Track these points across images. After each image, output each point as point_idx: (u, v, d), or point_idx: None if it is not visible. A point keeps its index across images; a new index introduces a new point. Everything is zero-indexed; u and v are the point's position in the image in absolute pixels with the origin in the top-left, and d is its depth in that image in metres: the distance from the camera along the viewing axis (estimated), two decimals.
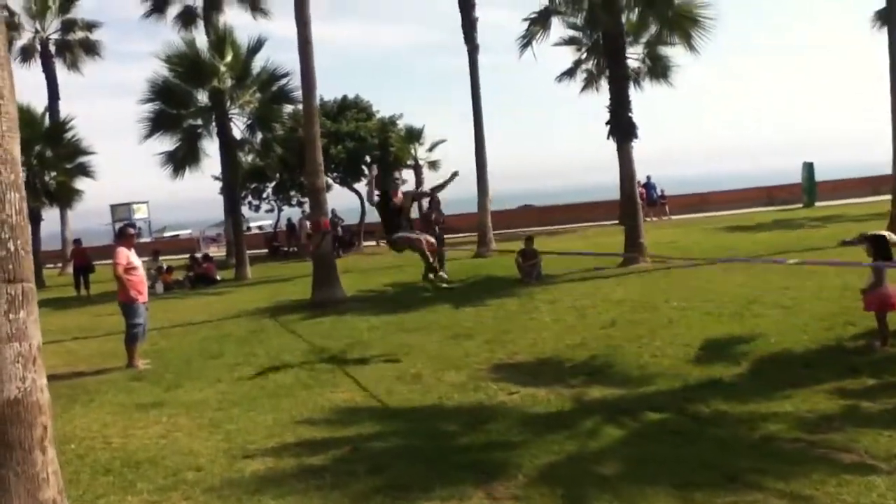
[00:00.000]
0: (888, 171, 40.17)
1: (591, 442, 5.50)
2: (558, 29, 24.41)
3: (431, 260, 9.64)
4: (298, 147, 28.70)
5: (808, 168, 31.75)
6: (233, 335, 11.90)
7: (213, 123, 23.25)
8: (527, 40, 18.13)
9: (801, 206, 31.64)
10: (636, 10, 16.56)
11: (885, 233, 15.83)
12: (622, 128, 16.58)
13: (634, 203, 16.92)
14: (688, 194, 38.18)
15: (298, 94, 22.57)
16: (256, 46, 23.12)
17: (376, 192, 9.39)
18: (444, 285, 10.08)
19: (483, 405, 6.77)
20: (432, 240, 9.77)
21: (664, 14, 16.18)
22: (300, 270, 23.92)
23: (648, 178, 33.90)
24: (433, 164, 32.04)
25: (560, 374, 7.64)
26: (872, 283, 7.49)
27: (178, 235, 49.74)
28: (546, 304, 12.10)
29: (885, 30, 25.83)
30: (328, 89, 32.85)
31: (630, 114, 16.68)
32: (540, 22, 17.93)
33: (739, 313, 9.90)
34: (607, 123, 16.89)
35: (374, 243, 32.75)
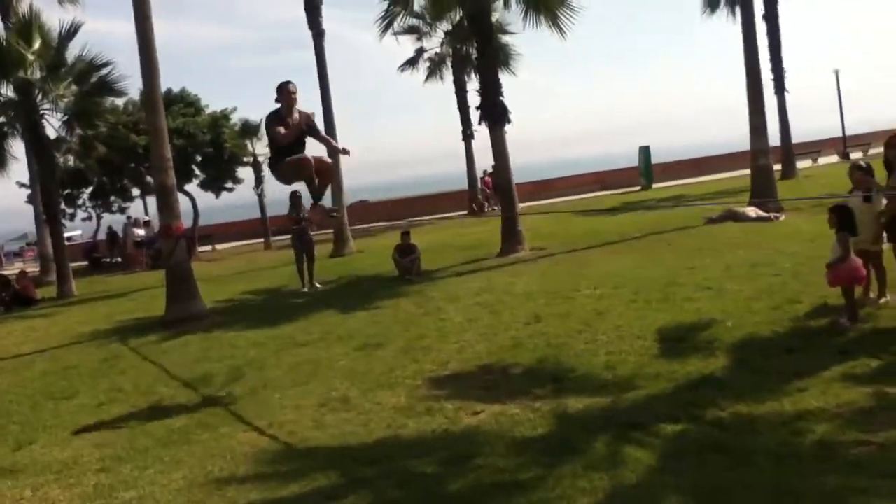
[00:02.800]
0: (710, 152, 42.69)
1: (622, 471, 4.44)
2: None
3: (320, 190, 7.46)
4: (124, 145, 25.95)
5: (645, 151, 32.85)
6: (81, 367, 9.82)
7: (20, 121, 20.14)
8: (387, 21, 16.90)
9: (639, 188, 32.66)
10: None
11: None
12: (495, 112, 15.78)
13: (510, 190, 16.20)
14: (529, 182, 38.52)
15: (123, 85, 20.22)
16: (71, 32, 20.09)
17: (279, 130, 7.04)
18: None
19: (451, 432, 5.55)
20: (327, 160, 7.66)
21: None
22: (132, 283, 21.41)
23: (494, 168, 33.69)
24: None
25: (517, 384, 6.56)
26: (839, 257, 6.99)
27: None
28: (447, 303, 11.00)
29: (714, 16, 27.20)
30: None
31: (501, 97, 15.93)
32: (401, 2, 16.76)
33: (666, 298, 9.30)
34: (478, 108, 16.06)
35: (209, 248, 30.26)
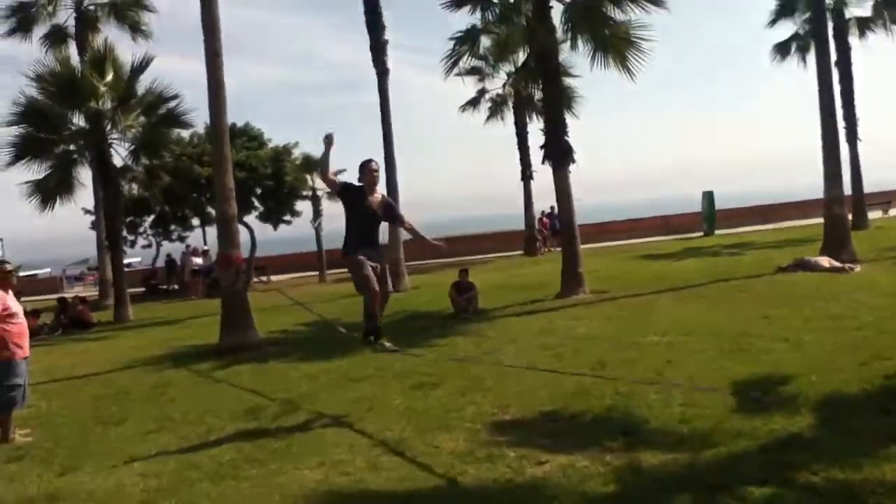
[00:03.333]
0: (777, 199, 41.61)
1: None
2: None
3: (378, 313, 7.42)
4: (187, 175, 26.37)
5: (709, 196, 32.10)
6: (133, 392, 9.70)
7: (89, 150, 20.60)
8: (453, 60, 16.81)
9: (701, 234, 31.85)
10: (568, 26, 15.48)
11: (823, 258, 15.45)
12: (559, 151, 15.47)
13: (573, 231, 15.78)
14: (586, 224, 37.96)
15: (189, 117, 20.58)
16: (142, 65, 20.69)
17: (337, 178, 7.40)
18: (389, 347, 7.72)
19: (514, 483, 5.15)
20: (390, 288, 7.71)
21: (600, 32, 15.22)
22: (187, 311, 21.53)
23: (552, 208, 33.27)
24: (332, 195, 30.07)
25: (585, 434, 6.12)
26: None
27: (35, 275, 45.20)
28: (506, 344, 10.62)
29: (784, 62, 26.63)
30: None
31: (567, 137, 15.62)
32: (468, 41, 16.68)
33: (740, 348, 8.77)
34: (542, 147, 15.78)
35: (265, 279, 30.37)
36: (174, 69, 32.41)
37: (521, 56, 26.18)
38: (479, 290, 14.57)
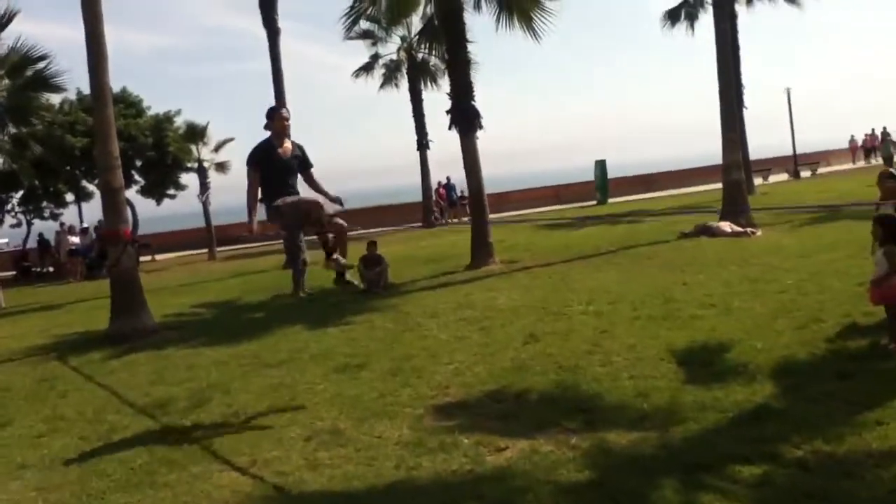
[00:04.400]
0: (663, 168, 42.79)
1: None
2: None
3: (334, 249, 7.13)
4: (60, 146, 24.31)
5: (601, 166, 32.59)
6: (14, 389, 8.61)
7: None
8: (353, 17, 15.98)
9: (594, 203, 32.33)
10: None
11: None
12: (466, 117, 15.00)
13: (482, 200, 15.41)
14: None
15: (61, 80, 18.81)
16: (4, 21, 18.65)
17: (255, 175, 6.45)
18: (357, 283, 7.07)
19: (477, 475, 4.67)
20: (339, 210, 6.73)
21: None
22: (67, 295, 19.93)
23: (448, 178, 33.07)
24: (221, 167, 28.58)
25: (538, 414, 5.71)
26: (884, 274, 6.34)
27: None
28: (427, 319, 10.11)
29: (674, 29, 27.09)
30: (84, 85, 28.28)
31: (473, 102, 15.16)
32: None
33: (670, 315, 8.60)
34: (448, 112, 15.24)
35: (149, 258, 28.58)
36: (42, 33, 29.73)
37: (416, 19, 25.60)
38: (388, 263, 13.98)
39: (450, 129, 15.25)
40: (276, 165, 6.37)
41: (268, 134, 6.50)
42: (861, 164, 43.32)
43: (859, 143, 45.24)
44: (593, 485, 4.32)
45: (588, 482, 4.37)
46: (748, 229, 15.67)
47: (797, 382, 5.74)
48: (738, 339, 7.15)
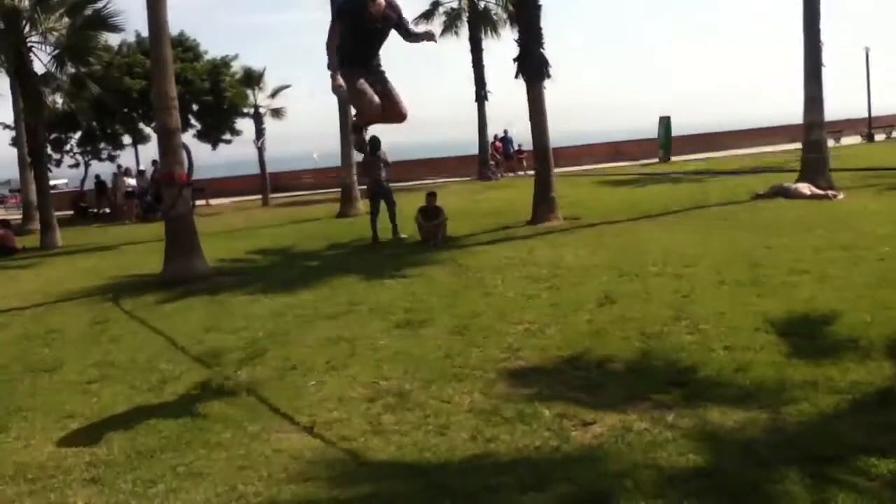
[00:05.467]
0: (718, 129, 41.28)
1: None
2: None
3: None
4: (117, 87, 24.16)
5: (665, 122, 31.39)
6: (66, 331, 8.39)
7: (5, 53, 18.41)
8: None
9: (656, 161, 31.23)
10: None
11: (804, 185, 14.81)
12: (533, 64, 14.24)
13: (547, 153, 14.70)
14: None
15: (119, 19, 18.51)
16: None
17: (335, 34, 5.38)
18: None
19: (564, 453, 4.17)
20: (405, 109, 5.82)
21: None
22: (122, 236, 19.90)
23: (506, 131, 32.22)
24: (276, 113, 28.23)
25: (626, 385, 5.17)
26: None
27: None
28: (490, 274, 9.59)
29: None
30: (143, 28, 27.93)
31: (542, 49, 14.38)
32: None
33: (758, 282, 7.92)
34: (515, 59, 14.49)
35: (203, 202, 28.49)
36: None
37: None
38: (447, 216, 13.46)
39: (516, 77, 14.50)
40: (364, 28, 5.44)
41: None
42: None
43: None
44: (701, 473, 3.79)
45: (695, 469, 3.83)
46: (829, 192, 14.72)
47: None
48: (841, 310, 6.48)
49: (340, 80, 5.25)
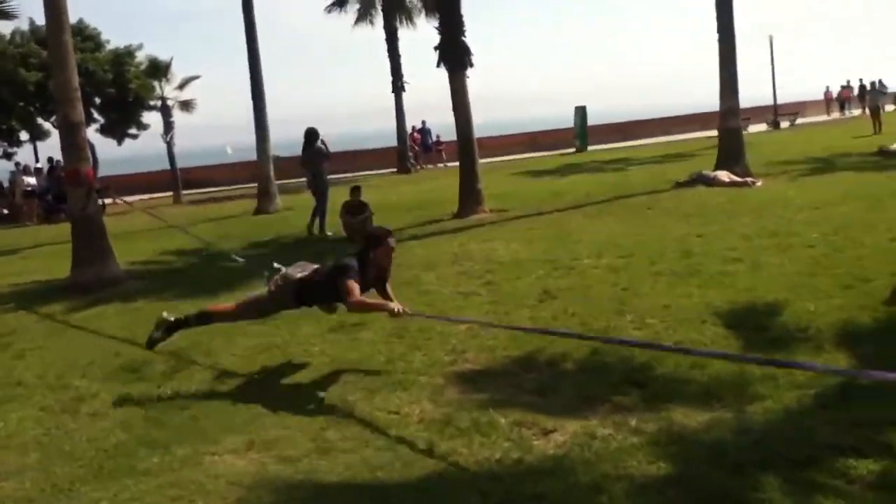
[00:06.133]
0: (625, 119, 42.07)
1: None
2: None
3: None
4: (12, 80, 22.70)
5: (581, 112, 31.73)
6: None
7: None
8: None
9: (573, 150, 31.53)
10: None
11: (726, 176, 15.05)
12: (456, 53, 13.97)
13: (471, 144, 14.49)
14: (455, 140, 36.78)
15: (11, 6, 17.35)
16: None
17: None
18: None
19: (528, 465, 3.91)
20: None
21: None
22: (22, 239, 18.71)
23: (423, 122, 31.95)
24: (186, 105, 27.09)
25: (581, 387, 4.95)
26: None
27: None
28: (423, 271, 9.30)
29: None
30: (38, 15, 26.41)
31: (464, 37, 14.13)
32: None
33: (695, 271, 7.88)
34: (436, 48, 14.19)
35: (109, 201, 27.15)
36: None
37: None
38: (373, 211, 13.09)
39: (438, 65, 14.20)
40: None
41: None
42: (836, 115, 43.04)
43: (834, 94, 44.87)
44: (674, 481, 3.59)
45: (666, 478, 3.64)
46: (748, 179, 15.03)
47: (870, 352, 5.06)
48: (784, 299, 6.46)
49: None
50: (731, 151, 16.39)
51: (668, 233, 10.31)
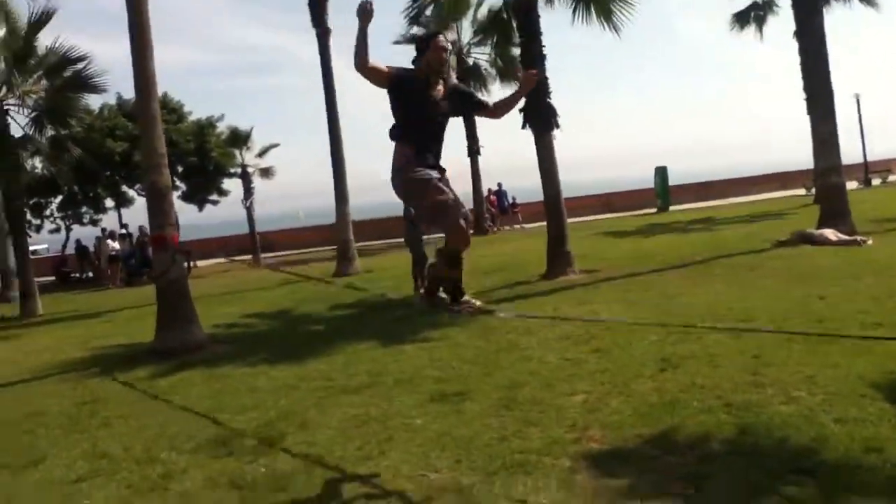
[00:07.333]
0: (702, 179, 41.10)
1: None
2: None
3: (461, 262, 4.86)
4: (99, 150, 23.40)
5: (662, 172, 30.98)
6: (51, 414, 7.36)
7: None
8: (414, 12, 14.76)
9: (654, 211, 30.69)
10: None
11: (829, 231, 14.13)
12: (541, 114, 13.61)
13: (559, 204, 13.99)
14: (528, 202, 36.33)
15: (101, 80, 17.86)
16: (42, 19, 17.74)
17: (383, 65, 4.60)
18: (477, 306, 5.12)
19: None
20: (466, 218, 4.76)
21: None
22: (106, 302, 18.84)
23: (500, 185, 31.71)
24: (266, 171, 27.49)
25: (741, 474, 4.24)
26: None
27: None
28: (520, 336, 8.68)
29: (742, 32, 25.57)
30: (124, 90, 27.82)
31: (549, 99, 13.77)
32: None
33: (831, 339, 7.04)
34: (521, 111, 13.86)
35: (189, 264, 27.47)
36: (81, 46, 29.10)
37: (467, 24, 24.49)
38: None
39: (523, 127, 13.86)
40: (426, 110, 4.68)
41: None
42: None
43: None
44: None
45: None
46: (857, 237, 14.03)
47: None
48: None
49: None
50: (835, 209, 15.41)
51: (784, 295, 9.49)
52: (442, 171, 4.75)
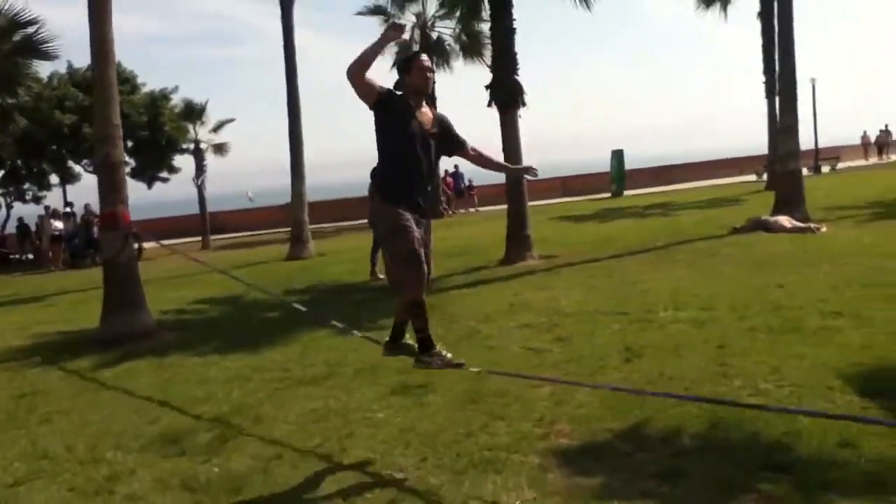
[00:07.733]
0: (658, 163, 41.50)
1: None
2: None
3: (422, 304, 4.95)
4: (47, 122, 22.45)
5: (618, 156, 31.08)
6: None
7: None
8: None
9: (608, 195, 30.83)
10: None
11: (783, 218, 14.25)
12: (507, 91, 13.39)
13: (520, 187, 13.82)
14: (491, 185, 36.23)
15: (52, 46, 17.11)
16: None
17: (376, 83, 4.57)
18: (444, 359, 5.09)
19: None
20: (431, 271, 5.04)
21: None
22: (48, 285, 18.18)
23: (456, 167, 31.46)
24: (220, 148, 26.78)
25: (715, 470, 4.13)
26: None
27: None
28: (481, 324, 8.55)
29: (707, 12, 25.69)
30: (76, 58, 26.70)
31: (517, 75, 13.55)
32: None
33: (794, 327, 7.02)
34: (488, 87, 13.64)
35: (146, 245, 26.65)
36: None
37: None
38: None
39: (489, 104, 13.64)
40: (411, 134, 4.62)
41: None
42: (874, 160, 42.10)
43: (872, 139, 43.99)
44: None
45: None
46: (811, 225, 14.18)
47: None
48: None
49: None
50: (790, 196, 15.56)
51: (744, 282, 9.48)
52: (427, 198, 4.81)
